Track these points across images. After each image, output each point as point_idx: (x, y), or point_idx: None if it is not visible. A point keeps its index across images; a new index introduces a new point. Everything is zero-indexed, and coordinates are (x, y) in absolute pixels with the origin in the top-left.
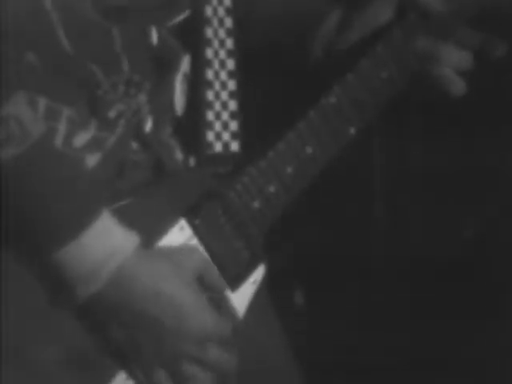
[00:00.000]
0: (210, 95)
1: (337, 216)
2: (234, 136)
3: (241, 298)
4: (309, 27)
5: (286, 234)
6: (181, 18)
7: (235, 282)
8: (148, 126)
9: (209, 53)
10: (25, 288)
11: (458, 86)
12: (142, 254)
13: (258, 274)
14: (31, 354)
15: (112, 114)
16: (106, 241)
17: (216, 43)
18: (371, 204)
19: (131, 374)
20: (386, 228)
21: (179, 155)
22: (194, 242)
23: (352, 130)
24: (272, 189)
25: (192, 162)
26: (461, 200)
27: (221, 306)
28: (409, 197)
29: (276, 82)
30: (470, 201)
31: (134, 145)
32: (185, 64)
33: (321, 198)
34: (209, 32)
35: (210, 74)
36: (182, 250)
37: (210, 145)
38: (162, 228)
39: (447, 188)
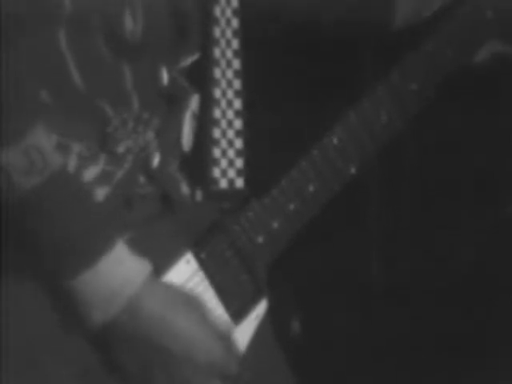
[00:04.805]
0: (216, 133)
1: (334, 242)
2: (239, 173)
3: (243, 332)
4: None
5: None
6: (190, 60)
7: (239, 315)
8: (155, 161)
9: (217, 92)
10: (37, 306)
11: None
12: (154, 282)
13: (261, 308)
14: (42, 371)
15: (120, 149)
16: (120, 269)
17: (224, 83)
18: (370, 235)
19: None
20: (386, 256)
21: (185, 189)
22: (200, 275)
23: (353, 170)
24: (275, 225)
25: (199, 196)
26: (461, 218)
27: (227, 342)
28: (408, 221)
29: (282, 123)
30: (469, 219)
31: (142, 179)
32: (193, 103)
33: (318, 225)
34: (217, 73)
35: (217, 113)
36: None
37: (215, 181)
38: (168, 261)
39: (446, 205)
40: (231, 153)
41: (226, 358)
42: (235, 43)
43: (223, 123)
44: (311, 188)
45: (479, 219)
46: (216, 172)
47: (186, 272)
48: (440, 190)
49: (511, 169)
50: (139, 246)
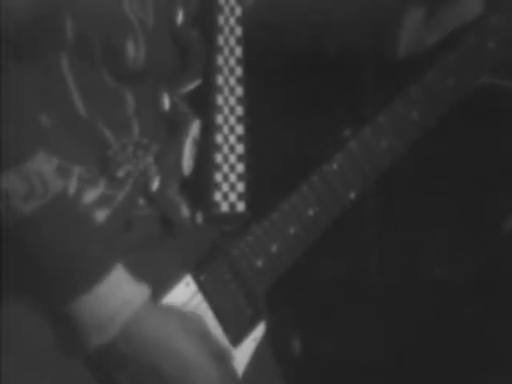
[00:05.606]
0: (218, 158)
1: (333, 254)
2: (241, 197)
3: (241, 354)
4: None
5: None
6: (192, 86)
7: (237, 338)
8: (155, 185)
9: (219, 119)
10: (34, 333)
11: None
12: (152, 305)
13: (259, 331)
14: None
15: (120, 173)
16: (118, 292)
17: (226, 110)
18: (369, 245)
19: None
20: (385, 281)
21: (186, 212)
22: (199, 297)
23: (352, 195)
24: (275, 248)
25: (199, 218)
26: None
27: (224, 363)
28: (408, 231)
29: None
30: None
31: (141, 201)
32: (194, 129)
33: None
34: (220, 99)
35: (219, 138)
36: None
37: (216, 204)
38: (168, 283)
39: (444, 218)
40: (233, 177)
41: (222, 381)
42: (238, 71)
43: (225, 148)
44: (311, 212)
45: (479, 233)
46: (217, 196)
47: (185, 294)
48: (438, 200)
49: (510, 182)
50: (139, 269)
